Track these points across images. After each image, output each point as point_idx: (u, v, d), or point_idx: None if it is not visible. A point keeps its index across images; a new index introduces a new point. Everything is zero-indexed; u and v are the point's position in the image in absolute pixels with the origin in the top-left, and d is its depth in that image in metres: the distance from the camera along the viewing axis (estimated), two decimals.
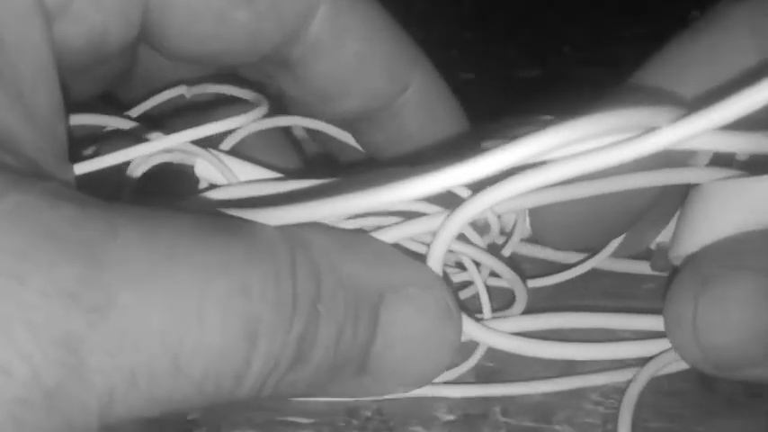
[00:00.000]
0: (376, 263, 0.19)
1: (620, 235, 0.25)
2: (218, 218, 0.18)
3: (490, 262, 0.22)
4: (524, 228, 0.25)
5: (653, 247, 0.26)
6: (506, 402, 0.25)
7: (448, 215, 0.20)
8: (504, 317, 0.24)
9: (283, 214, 0.19)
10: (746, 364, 0.21)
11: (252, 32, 0.23)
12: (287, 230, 0.19)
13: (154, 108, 0.26)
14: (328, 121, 0.27)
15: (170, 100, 0.26)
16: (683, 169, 0.22)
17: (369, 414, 0.25)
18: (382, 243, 0.20)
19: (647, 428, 0.24)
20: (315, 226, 0.19)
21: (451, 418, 0.25)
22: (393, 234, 0.20)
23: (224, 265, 0.17)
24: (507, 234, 0.25)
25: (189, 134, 0.22)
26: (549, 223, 0.24)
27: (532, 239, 0.26)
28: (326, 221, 0.20)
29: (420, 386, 0.21)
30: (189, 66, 0.26)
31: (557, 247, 0.27)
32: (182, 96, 0.26)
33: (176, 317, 0.16)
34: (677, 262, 0.23)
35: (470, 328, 0.21)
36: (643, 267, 0.27)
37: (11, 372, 0.14)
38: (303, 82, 0.25)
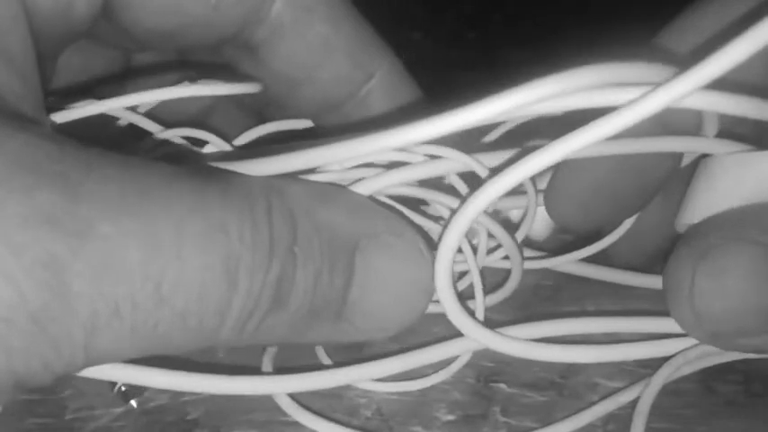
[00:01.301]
0: (350, 211, 0.20)
1: (633, 214, 0.26)
2: (194, 166, 0.19)
3: (488, 223, 0.22)
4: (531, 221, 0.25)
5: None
6: (506, 402, 0.25)
7: (472, 196, 0.19)
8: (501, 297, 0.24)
9: (258, 166, 0.19)
10: (742, 335, 0.21)
11: (213, 7, 0.23)
12: (262, 179, 0.19)
13: None
14: (292, 110, 0.26)
15: None
16: (690, 138, 0.22)
17: (369, 414, 0.25)
18: (356, 193, 0.21)
19: (648, 428, 0.24)
20: (290, 177, 0.20)
21: (451, 418, 0.25)
22: (369, 185, 0.21)
23: (200, 205, 0.17)
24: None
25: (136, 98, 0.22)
26: (564, 199, 0.24)
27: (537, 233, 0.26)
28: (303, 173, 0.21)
29: (397, 331, 0.21)
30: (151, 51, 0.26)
31: (570, 227, 0.27)
32: None
33: (155, 250, 0.16)
34: (681, 230, 0.23)
35: (479, 334, 0.21)
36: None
37: None
38: (266, 65, 0.25)
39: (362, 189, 0.21)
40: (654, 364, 0.26)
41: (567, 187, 0.23)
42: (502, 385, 0.26)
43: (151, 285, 0.16)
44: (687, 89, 0.17)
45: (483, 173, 0.21)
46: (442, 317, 0.22)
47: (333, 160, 0.20)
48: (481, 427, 0.25)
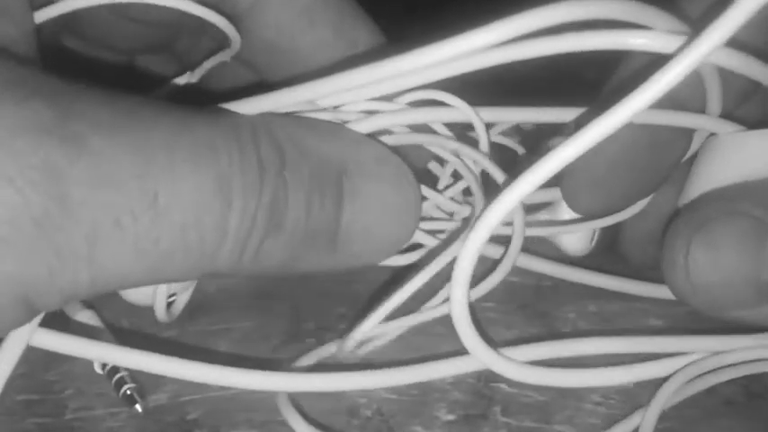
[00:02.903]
0: (335, 139, 0.21)
1: (647, 195, 0.26)
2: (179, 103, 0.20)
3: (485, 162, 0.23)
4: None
5: None
6: (506, 402, 0.25)
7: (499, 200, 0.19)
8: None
9: (243, 106, 0.20)
10: (734, 306, 0.22)
11: None
12: (247, 115, 0.20)
13: None
14: (273, 77, 0.26)
15: None
16: (697, 115, 0.23)
17: (369, 414, 0.25)
18: (339, 124, 0.21)
19: None
20: (275, 112, 0.20)
21: (451, 418, 0.25)
22: (365, 126, 0.21)
23: (187, 126, 0.18)
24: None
25: None
26: (581, 182, 0.24)
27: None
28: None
29: (390, 255, 0.22)
30: (134, 27, 0.26)
31: (588, 212, 0.27)
32: None
33: (148, 163, 0.17)
34: None
35: (487, 359, 0.21)
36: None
37: None
38: (251, 34, 0.25)
39: (358, 129, 0.21)
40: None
41: (584, 169, 0.23)
42: (502, 385, 0.26)
43: (148, 197, 0.17)
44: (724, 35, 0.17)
45: (480, 127, 0.22)
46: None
47: (320, 95, 0.21)
48: (481, 427, 0.25)
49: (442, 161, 0.26)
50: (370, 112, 0.22)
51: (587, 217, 0.26)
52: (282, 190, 0.19)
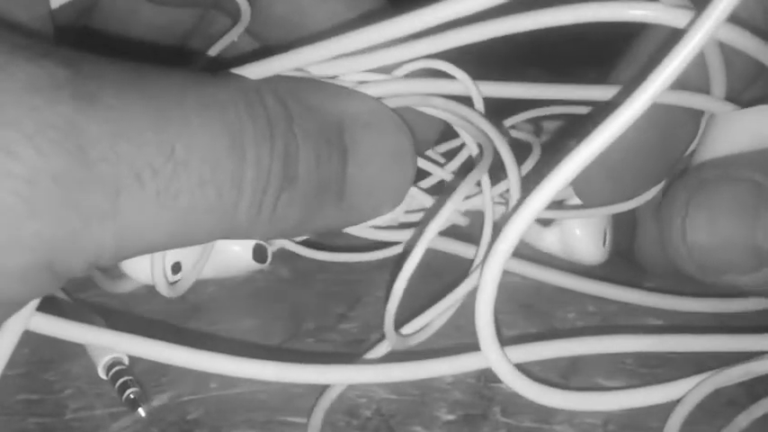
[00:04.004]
0: (332, 95, 0.21)
1: (658, 182, 0.26)
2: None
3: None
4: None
5: None
6: (506, 402, 0.25)
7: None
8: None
9: (244, 71, 0.20)
10: (729, 270, 0.22)
11: None
12: (250, 78, 0.20)
13: None
14: (285, 39, 0.27)
15: None
16: (701, 96, 0.23)
17: (369, 414, 0.25)
18: (335, 83, 0.22)
19: (647, 428, 0.24)
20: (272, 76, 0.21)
21: (451, 418, 0.25)
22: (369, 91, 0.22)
23: (195, 84, 0.18)
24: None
25: None
26: (591, 168, 0.25)
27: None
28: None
29: (395, 204, 0.23)
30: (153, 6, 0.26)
31: (599, 202, 0.27)
32: None
33: (162, 117, 0.17)
34: None
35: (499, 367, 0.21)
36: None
37: (16, 153, 0.15)
38: (261, 8, 0.25)
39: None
40: (652, 363, 0.26)
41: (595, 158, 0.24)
42: (502, 385, 0.26)
43: (166, 150, 0.17)
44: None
45: (478, 99, 0.23)
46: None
47: (319, 59, 0.21)
48: (481, 427, 0.25)
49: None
50: (365, 83, 0.22)
51: (600, 204, 0.26)
52: (293, 143, 0.19)
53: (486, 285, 0.19)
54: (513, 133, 0.29)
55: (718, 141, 0.23)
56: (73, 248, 0.16)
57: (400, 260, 0.22)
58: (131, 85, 0.17)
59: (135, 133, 0.16)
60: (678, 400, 0.23)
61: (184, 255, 0.24)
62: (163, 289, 0.24)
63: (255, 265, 0.28)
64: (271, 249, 0.27)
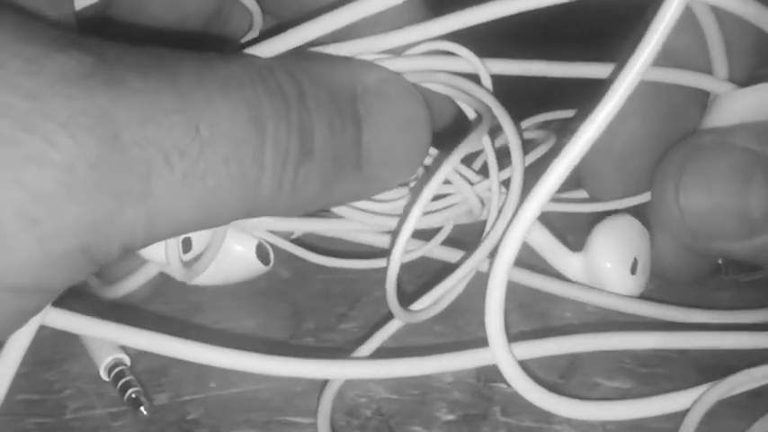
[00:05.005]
0: (341, 66, 0.21)
1: None
2: None
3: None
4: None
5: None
6: (506, 402, 0.25)
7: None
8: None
9: (252, 50, 0.21)
10: (721, 236, 0.23)
11: None
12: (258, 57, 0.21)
13: None
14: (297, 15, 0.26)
15: None
16: (704, 76, 0.24)
17: (369, 414, 0.25)
18: (344, 56, 0.22)
19: (649, 428, 0.24)
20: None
21: (451, 417, 0.25)
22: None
23: (210, 64, 0.19)
24: None
25: None
26: (600, 160, 0.25)
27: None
28: None
29: (413, 171, 0.23)
30: None
31: (608, 194, 0.27)
32: None
33: (185, 98, 0.18)
34: None
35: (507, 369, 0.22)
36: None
37: (55, 142, 0.16)
38: None
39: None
40: (652, 363, 0.26)
41: (602, 149, 0.24)
42: (502, 385, 0.26)
43: (191, 130, 0.17)
44: None
45: (486, 77, 0.23)
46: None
47: (326, 30, 0.21)
48: (481, 427, 0.25)
49: None
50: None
51: (610, 198, 0.27)
52: (307, 116, 0.20)
53: (499, 265, 0.20)
54: (526, 134, 0.29)
55: (717, 117, 0.24)
56: (109, 232, 0.17)
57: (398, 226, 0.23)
58: (154, 69, 0.17)
59: (162, 116, 0.17)
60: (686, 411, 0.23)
61: (195, 234, 0.24)
62: (179, 272, 0.24)
63: (260, 268, 0.28)
64: (271, 250, 0.27)
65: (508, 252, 0.20)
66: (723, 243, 0.23)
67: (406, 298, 0.24)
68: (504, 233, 0.21)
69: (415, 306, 0.25)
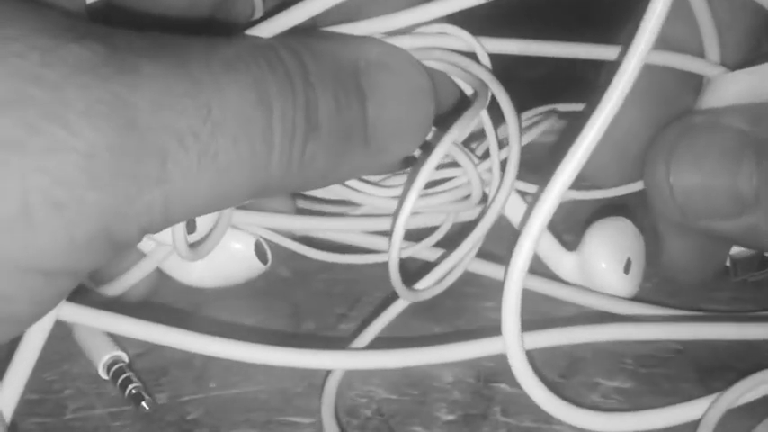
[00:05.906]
0: (342, 41, 0.22)
1: None
2: None
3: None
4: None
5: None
6: (506, 402, 0.25)
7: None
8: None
9: (253, 31, 0.21)
10: (711, 214, 0.23)
11: None
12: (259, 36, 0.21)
13: None
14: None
15: None
16: (697, 59, 0.24)
17: (368, 414, 0.25)
18: (344, 33, 0.22)
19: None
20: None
21: (451, 418, 0.25)
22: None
23: (214, 46, 0.19)
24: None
25: None
26: (602, 146, 0.25)
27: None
28: None
29: (419, 142, 0.23)
30: None
31: (610, 180, 0.27)
32: None
33: (195, 81, 0.18)
34: None
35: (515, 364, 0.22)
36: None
37: (75, 129, 0.16)
38: None
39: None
40: (652, 363, 0.26)
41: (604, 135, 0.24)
42: (502, 385, 0.26)
43: (203, 112, 0.18)
44: None
45: (483, 55, 0.23)
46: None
47: (326, 6, 0.21)
48: (481, 427, 0.25)
49: None
50: None
51: (610, 185, 0.27)
52: (312, 92, 0.20)
53: (520, 255, 0.21)
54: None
55: (710, 99, 0.24)
56: (129, 215, 0.17)
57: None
58: (163, 55, 0.18)
59: (174, 100, 0.18)
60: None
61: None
62: (183, 251, 0.24)
63: (258, 267, 0.28)
64: (269, 248, 0.27)
65: (534, 230, 0.21)
66: (712, 222, 0.23)
67: (408, 278, 0.24)
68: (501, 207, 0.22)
69: (419, 285, 0.25)
